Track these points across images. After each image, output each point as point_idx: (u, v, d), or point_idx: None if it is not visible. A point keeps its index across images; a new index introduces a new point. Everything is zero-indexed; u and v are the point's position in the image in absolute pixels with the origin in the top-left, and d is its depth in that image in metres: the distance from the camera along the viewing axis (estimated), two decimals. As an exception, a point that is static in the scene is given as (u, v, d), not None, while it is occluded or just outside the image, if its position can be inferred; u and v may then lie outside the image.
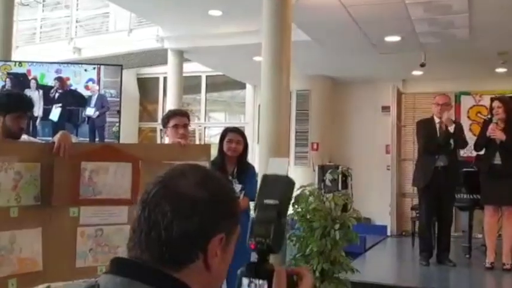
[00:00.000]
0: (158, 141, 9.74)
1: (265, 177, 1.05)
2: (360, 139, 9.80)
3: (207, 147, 3.77)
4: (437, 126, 5.78)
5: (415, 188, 6.25)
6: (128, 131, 9.63)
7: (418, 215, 6.46)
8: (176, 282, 0.86)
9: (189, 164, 0.96)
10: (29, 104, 2.96)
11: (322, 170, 9.05)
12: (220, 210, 0.91)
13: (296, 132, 9.70)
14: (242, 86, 10.67)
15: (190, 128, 4.29)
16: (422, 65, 7.49)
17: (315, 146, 9.65)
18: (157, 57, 8.53)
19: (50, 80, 4.82)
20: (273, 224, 0.96)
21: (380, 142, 9.34)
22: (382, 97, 9.35)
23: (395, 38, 6.97)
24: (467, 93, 8.74)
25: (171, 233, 0.86)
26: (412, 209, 7.63)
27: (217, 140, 4.26)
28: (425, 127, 5.90)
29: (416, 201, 6.78)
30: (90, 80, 4.84)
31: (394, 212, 8.60)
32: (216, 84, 11.06)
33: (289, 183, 1.04)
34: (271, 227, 0.95)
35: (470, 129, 8.02)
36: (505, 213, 5.54)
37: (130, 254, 0.89)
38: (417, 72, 8.83)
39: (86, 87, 4.84)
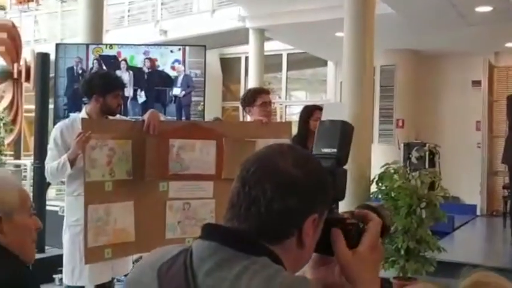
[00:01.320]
0: (241, 120, 9.91)
1: (321, 124, 1.03)
2: (448, 115, 9.39)
3: (287, 124, 3.81)
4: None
5: (507, 166, 5.94)
6: (212, 110, 9.86)
7: (510, 194, 6.15)
8: (271, 253, 0.88)
9: (287, 144, 0.99)
10: (123, 83, 3.16)
11: (408, 147, 8.79)
12: (316, 192, 0.92)
13: (380, 109, 9.48)
14: (323, 63, 10.55)
15: (273, 106, 4.34)
16: (517, 36, 7.03)
17: (400, 123, 9.39)
18: (239, 36, 8.63)
19: (139, 62, 5.03)
20: (332, 174, 0.95)
21: (470, 118, 8.90)
22: (473, 71, 8.89)
23: (487, 9, 6.57)
24: None
25: (271, 210, 0.88)
26: (503, 188, 7.26)
27: (297, 118, 4.25)
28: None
29: (508, 179, 6.45)
30: (176, 61, 4.99)
31: (484, 191, 8.24)
32: (297, 62, 11.01)
33: (345, 128, 1.02)
34: (331, 177, 0.95)
35: None
36: None
37: (227, 225, 0.92)
38: (510, 44, 8.29)
39: (172, 68, 5.00)
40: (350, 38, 4.97)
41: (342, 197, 0.99)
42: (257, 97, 3.54)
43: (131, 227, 2.85)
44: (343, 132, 1.03)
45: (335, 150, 1.00)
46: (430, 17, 7.08)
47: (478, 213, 8.24)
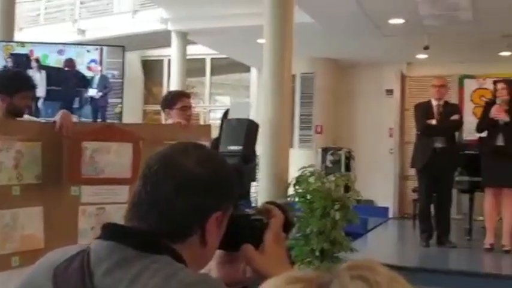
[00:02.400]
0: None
1: (228, 123, 1.06)
2: (363, 122, 9.80)
3: (207, 127, 3.82)
4: (435, 108, 5.85)
5: (416, 170, 6.29)
6: (133, 113, 9.68)
7: (419, 197, 6.50)
8: (172, 251, 0.88)
9: (191, 142, 1.00)
10: (33, 83, 3.04)
11: (325, 152, 9.09)
12: (220, 190, 0.94)
13: (300, 115, 9.71)
14: (247, 68, 10.67)
15: (195, 110, 4.35)
16: (426, 48, 7.46)
17: (318, 129, 9.67)
18: (161, 39, 8.53)
19: (52, 61, 4.85)
20: (238, 171, 0.98)
21: (384, 125, 9.34)
22: (387, 80, 9.34)
23: (399, 21, 6.93)
24: (470, 77, 8.71)
25: (173, 208, 0.89)
26: (413, 191, 7.66)
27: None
28: (422, 110, 5.97)
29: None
30: (93, 61, 4.86)
31: (396, 194, 8.66)
32: (221, 66, 11.06)
33: (251, 126, 1.05)
34: (237, 174, 0.98)
35: (473, 113, 8.01)
36: (507, 195, 5.57)
37: (128, 224, 0.92)
38: (421, 56, 8.78)
39: (88, 68, 4.86)
40: (270, 45, 5.05)
41: (248, 193, 1.02)
42: (177, 100, 3.51)
43: (40, 233, 2.74)
44: (249, 131, 1.06)
45: (241, 147, 1.03)
46: (348, 28, 7.36)
47: (391, 215, 8.64)
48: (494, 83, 5.86)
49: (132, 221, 0.91)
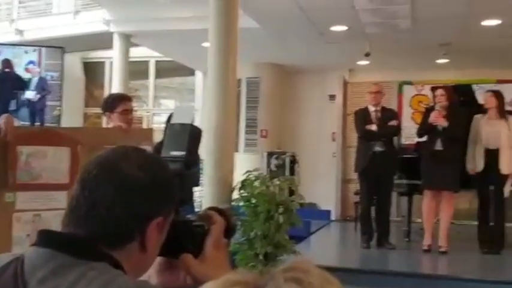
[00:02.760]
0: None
1: (171, 127, 1.05)
2: (308, 126, 9.96)
3: (149, 131, 3.77)
4: (373, 114, 6.04)
5: (357, 174, 6.45)
6: (73, 117, 9.40)
7: (360, 200, 6.65)
8: (110, 258, 0.86)
9: (132, 146, 0.97)
10: None
11: (270, 156, 9.17)
12: (161, 195, 0.92)
13: (246, 119, 9.76)
14: (192, 72, 10.61)
15: (138, 114, 4.28)
16: (367, 55, 7.67)
17: (264, 133, 9.74)
18: (103, 41, 8.34)
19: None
20: (180, 176, 0.97)
21: (327, 130, 9.53)
22: (330, 86, 9.54)
23: (342, 28, 7.09)
24: (409, 83, 9.02)
25: (112, 214, 0.87)
26: (355, 194, 7.84)
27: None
28: (361, 116, 6.16)
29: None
30: (31, 62, 4.70)
31: (338, 197, 8.83)
32: (166, 69, 10.94)
33: (194, 131, 1.04)
34: (179, 179, 0.97)
35: (412, 118, 8.30)
36: (445, 198, 5.79)
37: (64, 230, 0.89)
38: (363, 62, 9.01)
39: (26, 70, 4.70)
40: (214, 49, 5.04)
41: (190, 199, 1.01)
42: (118, 104, 3.45)
43: (-29, 241, 2.62)
44: (192, 136, 1.05)
45: (184, 153, 1.01)
46: (292, 34, 7.46)
47: (333, 218, 8.80)
48: (433, 89, 6.11)
49: (69, 226, 0.89)
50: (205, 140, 4.83)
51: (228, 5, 5.02)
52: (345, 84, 9.26)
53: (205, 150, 4.91)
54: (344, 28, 7.09)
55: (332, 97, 9.41)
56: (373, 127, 5.97)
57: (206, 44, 5.39)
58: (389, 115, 6.15)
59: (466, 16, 6.36)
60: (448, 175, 5.63)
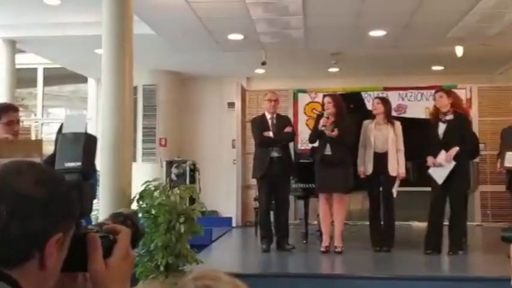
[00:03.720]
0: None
1: (63, 137, 1.01)
2: (207, 134, 9.98)
3: (38, 142, 3.57)
4: (269, 121, 6.22)
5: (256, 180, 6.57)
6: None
7: (259, 205, 6.77)
8: (8, 278, 0.83)
9: (25, 161, 0.93)
10: None
11: (170, 165, 9.06)
12: (59, 210, 0.89)
13: (143, 128, 9.57)
14: (84, 79, 10.21)
15: (25, 124, 4.03)
16: (263, 64, 7.86)
17: (163, 142, 9.60)
18: (-13, 46, 7.79)
19: None
20: (78, 188, 0.94)
21: (227, 137, 9.60)
22: (228, 93, 9.63)
23: (238, 37, 7.20)
24: (304, 91, 9.35)
25: (7, 234, 0.83)
26: (255, 199, 7.97)
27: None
28: (259, 123, 6.33)
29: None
30: None
31: (239, 204, 8.92)
32: (55, 77, 10.42)
33: (89, 140, 1.01)
34: (77, 191, 0.94)
35: (306, 124, 8.61)
36: (336, 200, 6.06)
37: None
38: (259, 70, 9.22)
39: None
40: (109, 56, 4.90)
41: (89, 211, 0.96)
42: (3, 114, 3.26)
43: None
44: (87, 145, 1.01)
45: (79, 163, 0.97)
46: (189, 41, 7.45)
47: (234, 224, 8.88)
48: (323, 97, 6.39)
49: None
50: (101, 150, 4.67)
51: (122, 11, 4.91)
52: (243, 91, 9.40)
53: (101, 161, 4.75)
54: (240, 37, 7.20)
55: (231, 104, 9.51)
56: (270, 134, 6.13)
57: (100, 51, 5.23)
58: (284, 122, 6.35)
59: (355, 27, 6.73)
60: (338, 178, 5.90)
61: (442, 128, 5.70)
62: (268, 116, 6.29)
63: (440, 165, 5.60)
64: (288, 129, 6.24)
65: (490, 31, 6.86)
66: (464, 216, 5.99)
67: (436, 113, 5.80)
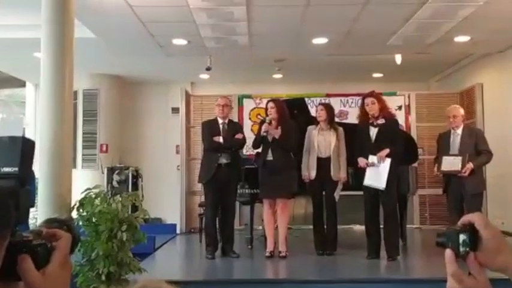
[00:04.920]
0: None
1: None
2: (151, 140, 9.84)
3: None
4: (221, 126, 6.19)
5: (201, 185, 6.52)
6: None
7: (204, 211, 6.72)
8: None
9: None
10: None
11: (112, 171, 8.87)
12: None
13: (84, 133, 9.32)
14: (22, 83, 9.84)
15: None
16: (208, 69, 7.84)
17: (104, 148, 9.38)
18: None
19: None
20: (15, 194, 0.90)
21: (171, 142, 9.50)
22: (173, 98, 9.54)
23: (183, 42, 7.14)
24: (248, 96, 9.39)
25: None
26: (200, 205, 7.91)
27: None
28: (209, 127, 6.25)
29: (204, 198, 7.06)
30: None
31: (183, 210, 8.82)
32: (-9, 80, 10.00)
33: (27, 144, 0.97)
34: (14, 198, 0.90)
35: (251, 130, 8.64)
36: (280, 205, 6.11)
37: None
38: (204, 76, 9.19)
39: None
40: (48, 60, 4.74)
41: (26, 218, 0.92)
42: None
43: None
44: (25, 150, 0.96)
45: (16, 169, 0.92)
46: (132, 45, 7.32)
47: (178, 231, 8.77)
48: (267, 102, 6.44)
49: None
50: (39, 156, 4.51)
51: (62, 14, 4.76)
52: (188, 97, 9.33)
53: (39, 168, 4.58)
54: (184, 42, 7.15)
55: (175, 110, 9.42)
56: (220, 139, 6.09)
57: (39, 54, 5.05)
58: (235, 128, 6.33)
59: (298, 34, 6.83)
60: (280, 184, 5.96)
61: (373, 131, 5.85)
62: (219, 121, 6.24)
63: (373, 164, 5.73)
64: (238, 135, 6.21)
65: (427, 40, 7.14)
66: (397, 219, 6.16)
67: (366, 118, 5.96)
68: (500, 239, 0.87)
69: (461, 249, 0.85)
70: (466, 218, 0.89)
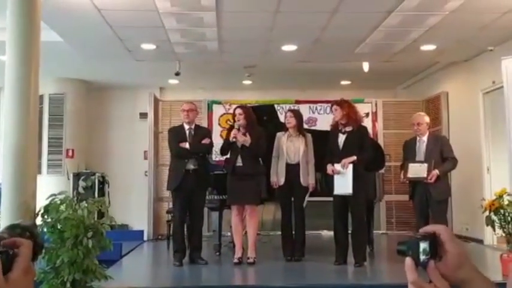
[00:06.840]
0: None
1: None
2: (118, 145, 9.73)
3: None
4: (187, 132, 6.16)
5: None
6: None
7: (172, 217, 6.67)
8: None
9: None
10: None
11: (78, 177, 8.72)
12: None
13: (49, 138, 9.15)
14: (-16, 87, 9.58)
15: None
16: (177, 74, 7.80)
17: (70, 153, 9.23)
18: None
19: None
20: None
21: (138, 148, 9.42)
22: (141, 103, 9.45)
23: (151, 46, 7.10)
24: (218, 102, 9.37)
25: None
26: (167, 212, 7.84)
27: None
28: (176, 133, 6.22)
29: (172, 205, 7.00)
30: None
31: (151, 217, 8.72)
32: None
33: None
34: None
35: (221, 135, 8.62)
36: (248, 211, 6.10)
37: None
38: (173, 81, 9.15)
39: None
40: (13, 63, 4.63)
41: None
42: None
43: None
44: None
45: None
46: (99, 49, 7.24)
47: (145, 238, 8.66)
48: (234, 109, 6.42)
49: None
50: (3, 161, 4.41)
51: (28, 16, 4.67)
52: (156, 102, 9.26)
53: (3, 173, 4.47)
54: (153, 46, 7.10)
55: (143, 115, 9.33)
56: (186, 145, 6.06)
57: (3, 57, 4.94)
58: (202, 133, 6.29)
59: (267, 41, 6.87)
60: (249, 190, 5.95)
61: (341, 138, 5.92)
62: (186, 127, 6.20)
63: (338, 172, 5.79)
64: (205, 140, 6.18)
65: (394, 48, 7.28)
66: (366, 226, 6.23)
67: (336, 124, 6.03)
68: (464, 255, 0.88)
69: (422, 257, 0.86)
70: (431, 228, 0.89)
